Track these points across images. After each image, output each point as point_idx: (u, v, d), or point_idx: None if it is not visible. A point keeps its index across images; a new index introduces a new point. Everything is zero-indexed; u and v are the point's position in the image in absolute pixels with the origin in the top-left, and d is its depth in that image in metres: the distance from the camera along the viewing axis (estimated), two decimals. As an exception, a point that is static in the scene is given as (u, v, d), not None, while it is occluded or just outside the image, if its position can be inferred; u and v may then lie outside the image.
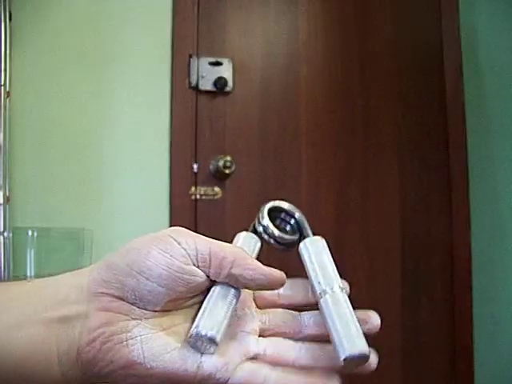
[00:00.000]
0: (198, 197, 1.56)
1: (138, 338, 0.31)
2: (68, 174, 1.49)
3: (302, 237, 0.37)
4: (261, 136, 1.63)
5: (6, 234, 1.33)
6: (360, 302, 1.50)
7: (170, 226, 1.53)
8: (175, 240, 0.32)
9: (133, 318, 0.32)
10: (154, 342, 0.31)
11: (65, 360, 0.31)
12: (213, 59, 1.59)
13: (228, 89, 1.59)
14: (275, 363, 0.34)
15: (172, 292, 0.32)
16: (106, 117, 1.54)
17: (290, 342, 0.35)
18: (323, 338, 0.35)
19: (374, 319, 0.37)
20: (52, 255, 1.40)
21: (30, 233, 1.37)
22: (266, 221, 0.36)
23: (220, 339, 0.32)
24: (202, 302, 0.33)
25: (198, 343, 0.31)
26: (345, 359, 0.32)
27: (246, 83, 1.63)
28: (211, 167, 1.57)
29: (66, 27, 1.52)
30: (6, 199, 1.35)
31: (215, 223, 1.57)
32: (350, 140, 1.69)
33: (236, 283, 0.33)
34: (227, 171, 1.53)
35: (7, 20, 1.38)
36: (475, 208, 1.74)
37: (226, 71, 1.59)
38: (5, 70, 1.37)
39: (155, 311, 0.32)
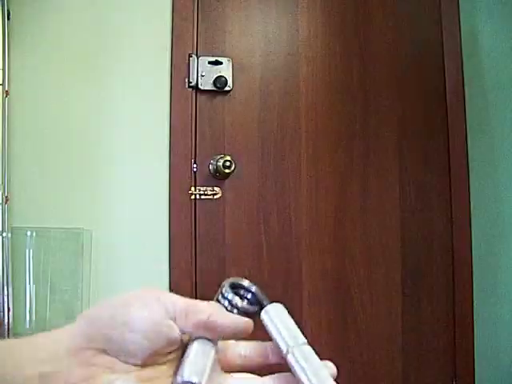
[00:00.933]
0: (197, 196, 1.55)
1: None
2: (67, 174, 1.49)
3: (262, 306, 0.40)
4: (261, 135, 1.62)
5: (5, 234, 1.32)
6: (360, 302, 1.52)
7: (170, 225, 1.53)
8: (154, 296, 0.34)
9: (114, 372, 0.33)
10: None
11: None
12: (212, 58, 1.59)
13: (228, 88, 1.59)
14: None
15: (153, 345, 0.33)
16: (106, 116, 1.53)
17: (255, 378, 0.37)
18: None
19: (332, 368, 0.37)
20: (51, 255, 1.39)
21: (29, 233, 1.36)
22: (231, 295, 0.39)
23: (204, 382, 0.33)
24: (181, 356, 0.35)
25: None
26: None
27: (245, 82, 1.62)
28: (211, 167, 1.56)
29: (65, 26, 1.52)
30: (5, 199, 1.35)
31: (215, 223, 1.57)
32: (350, 140, 1.69)
33: (213, 335, 0.35)
34: (227, 171, 1.53)
35: (6, 18, 1.38)
36: (475, 208, 1.74)
37: (225, 70, 1.59)
38: (3, 68, 1.37)
39: (137, 365, 0.33)
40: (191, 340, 0.36)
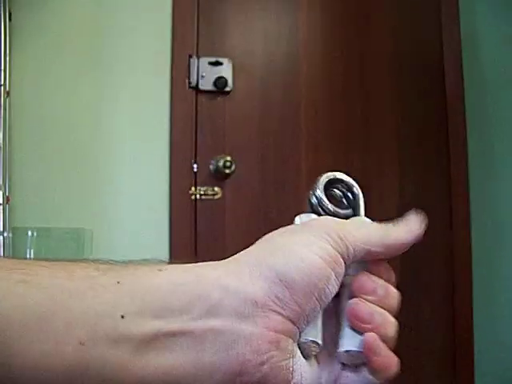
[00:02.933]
0: (197, 197, 1.56)
1: (300, 365, 0.29)
2: (68, 174, 1.49)
3: (355, 214, 0.36)
4: (261, 136, 1.63)
5: (5, 234, 1.32)
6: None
7: (170, 225, 1.53)
8: (342, 255, 0.30)
9: (295, 341, 0.29)
10: (309, 366, 0.30)
11: (220, 380, 0.27)
12: (213, 59, 1.59)
13: (228, 88, 1.59)
14: None
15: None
16: (106, 117, 1.54)
17: None
18: None
19: None
20: (52, 255, 1.40)
21: (29, 233, 1.37)
22: (320, 193, 0.35)
23: (320, 338, 0.30)
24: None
25: (303, 347, 0.30)
26: (339, 354, 0.31)
27: (245, 83, 1.63)
28: (211, 167, 1.57)
29: (66, 27, 1.52)
30: (6, 199, 1.35)
31: (215, 223, 1.57)
32: (350, 139, 1.69)
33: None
34: (227, 171, 1.53)
35: (7, 20, 1.38)
36: (475, 208, 1.74)
37: (225, 71, 1.59)
38: (4, 69, 1.37)
39: None
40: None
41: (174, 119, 1.56)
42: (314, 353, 0.30)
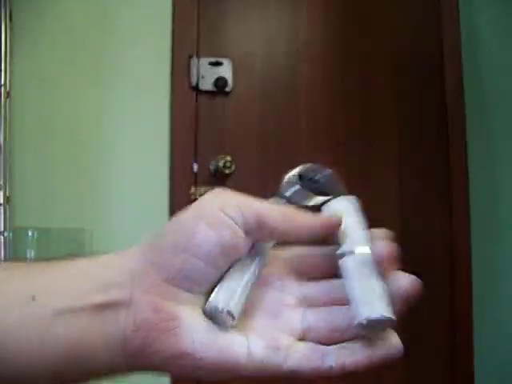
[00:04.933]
0: (198, 197, 1.56)
1: (187, 326, 0.29)
2: (68, 175, 1.49)
3: (333, 196, 0.35)
4: (261, 136, 1.63)
5: (6, 234, 1.33)
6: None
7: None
8: (222, 210, 0.30)
9: (179, 304, 0.30)
10: (203, 330, 0.30)
11: (111, 348, 0.29)
12: (213, 59, 1.59)
13: (228, 89, 1.59)
14: (327, 335, 0.31)
15: (217, 270, 0.30)
16: (106, 117, 1.54)
17: (338, 309, 0.32)
18: None
19: (403, 279, 0.32)
20: (52, 255, 1.40)
21: (30, 233, 1.37)
22: (295, 187, 0.34)
23: (237, 311, 0.30)
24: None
25: (216, 318, 0.30)
26: (362, 324, 0.29)
27: (245, 83, 1.63)
28: (211, 167, 1.57)
29: (66, 27, 1.53)
30: (7, 199, 1.35)
31: (215, 223, 1.57)
32: (350, 140, 1.69)
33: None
34: (227, 171, 1.53)
35: (8, 20, 1.38)
36: (475, 208, 1.74)
37: (226, 71, 1.59)
38: (5, 70, 1.37)
39: (201, 294, 0.30)
40: (232, 265, 0.31)
41: (174, 119, 1.56)
42: (226, 321, 0.30)
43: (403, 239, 1.54)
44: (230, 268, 0.31)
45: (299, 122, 1.65)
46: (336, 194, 0.35)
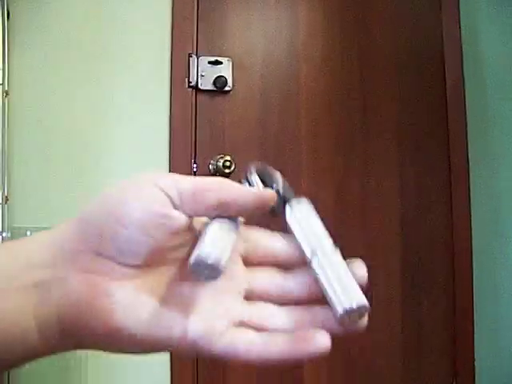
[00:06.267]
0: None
1: (121, 302, 0.29)
2: (67, 174, 1.49)
3: (286, 201, 0.35)
4: (261, 135, 1.62)
5: (4, 234, 1.32)
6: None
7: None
8: (153, 182, 0.30)
9: (114, 279, 0.29)
10: (138, 307, 0.29)
11: (44, 328, 0.29)
12: (212, 58, 1.59)
13: (228, 88, 1.59)
14: (261, 330, 0.32)
15: (153, 240, 0.29)
16: (106, 116, 1.53)
17: (276, 308, 0.33)
18: (310, 302, 0.33)
19: (361, 270, 0.33)
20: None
21: (28, 233, 1.36)
22: (255, 178, 0.35)
23: (224, 266, 0.29)
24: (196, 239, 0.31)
25: (200, 271, 0.29)
26: (344, 313, 0.30)
27: (245, 82, 1.62)
28: (211, 167, 1.56)
29: (65, 26, 1.52)
30: (5, 199, 1.35)
31: (215, 223, 1.57)
32: (350, 139, 1.69)
33: (230, 213, 0.31)
34: (227, 171, 1.53)
35: (5, 18, 1.37)
36: (476, 207, 1.74)
37: (225, 70, 1.59)
38: (3, 68, 1.37)
39: (137, 266, 0.29)
40: (207, 223, 0.31)
41: (174, 119, 1.55)
42: (212, 276, 0.29)
43: (403, 238, 1.55)
44: (204, 228, 0.31)
45: (299, 122, 1.65)
46: (289, 197, 0.35)
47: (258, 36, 1.66)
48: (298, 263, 0.34)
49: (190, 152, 1.56)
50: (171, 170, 1.54)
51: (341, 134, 1.68)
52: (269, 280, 0.34)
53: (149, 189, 0.30)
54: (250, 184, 0.35)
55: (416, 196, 1.72)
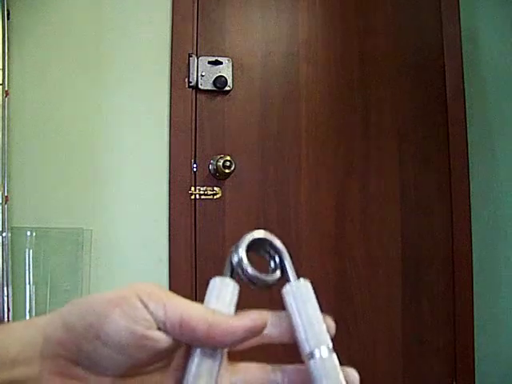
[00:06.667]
0: (197, 196, 1.55)
1: None
2: (67, 174, 1.49)
3: (285, 276, 0.34)
4: (261, 135, 1.62)
5: (4, 234, 1.32)
6: (360, 302, 1.52)
7: (170, 225, 1.53)
8: (142, 302, 0.29)
9: None
10: None
11: None
12: (212, 58, 1.59)
13: (228, 88, 1.58)
14: None
15: (132, 359, 0.29)
16: (106, 116, 1.53)
17: None
18: None
19: (353, 377, 0.34)
20: (51, 255, 1.39)
21: (28, 233, 1.36)
22: (242, 252, 0.32)
23: None
24: (184, 365, 0.31)
25: None
26: None
27: (245, 82, 1.62)
28: (211, 167, 1.56)
29: (65, 26, 1.52)
30: (5, 199, 1.35)
31: (215, 223, 1.57)
32: (350, 140, 1.68)
33: (215, 347, 0.30)
34: (227, 171, 1.53)
35: (5, 18, 1.37)
36: (475, 208, 1.74)
37: (225, 70, 1.58)
38: (3, 68, 1.37)
39: (114, 377, 0.29)
40: (190, 354, 0.31)
41: (174, 119, 1.55)
42: None
43: (403, 239, 1.55)
44: (187, 357, 0.31)
45: (299, 122, 1.65)
46: (290, 276, 0.34)
47: (258, 36, 1.66)
48: None
49: (190, 152, 1.56)
50: (171, 169, 1.54)
51: (341, 134, 1.68)
52: (254, 380, 0.33)
53: (134, 308, 0.29)
54: (238, 258, 0.33)
55: (416, 196, 1.72)
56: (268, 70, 1.65)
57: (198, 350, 0.30)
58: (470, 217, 1.72)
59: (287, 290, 0.33)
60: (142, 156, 1.55)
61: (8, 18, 1.39)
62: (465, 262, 1.71)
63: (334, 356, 0.33)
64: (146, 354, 0.29)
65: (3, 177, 1.35)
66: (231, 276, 0.34)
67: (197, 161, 1.56)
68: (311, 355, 0.32)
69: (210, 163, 1.56)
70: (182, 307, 0.29)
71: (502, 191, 1.83)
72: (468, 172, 1.74)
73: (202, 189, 1.56)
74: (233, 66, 1.60)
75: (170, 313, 0.29)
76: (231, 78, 1.59)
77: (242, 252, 0.33)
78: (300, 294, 0.33)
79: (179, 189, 1.54)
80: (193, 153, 1.56)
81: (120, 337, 0.28)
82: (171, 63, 1.57)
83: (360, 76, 1.71)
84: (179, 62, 1.57)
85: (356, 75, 1.71)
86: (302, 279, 0.34)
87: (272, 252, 0.35)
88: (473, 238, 1.71)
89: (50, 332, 0.29)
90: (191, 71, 1.57)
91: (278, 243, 0.35)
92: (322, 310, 0.34)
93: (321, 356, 0.32)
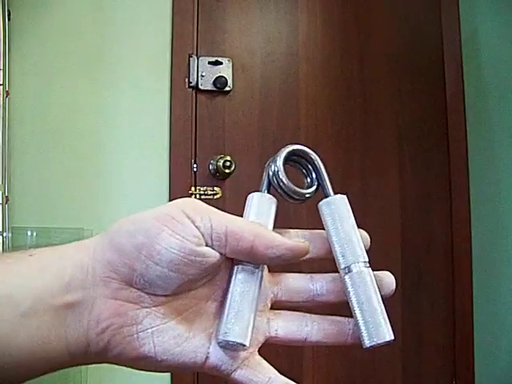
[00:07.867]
0: (197, 196, 1.55)
1: (149, 330, 0.30)
2: (67, 174, 1.49)
3: (322, 191, 0.34)
4: (261, 135, 1.62)
5: (5, 234, 1.32)
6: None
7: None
8: (188, 217, 0.30)
9: (142, 307, 0.30)
10: (165, 334, 0.30)
11: (74, 349, 0.29)
12: (212, 58, 1.59)
13: (228, 88, 1.59)
14: (287, 344, 0.33)
15: (184, 276, 0.29)
16: (106, 116, 1.53)
17: (301, 318, 0.34)
18: (335, 306, 0.35)
19: (390, 284, 0.34)
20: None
21: (29, 233, 1.37)
22: (280, 163, 0.32)
23: (249, 342, 0.30)
24: (226, 289, 0.32)
25: (228, 346, 0.31)
26: (370, 346, 0.31)
27: (245, 82, 1.62)
28: (211, 167, 1.56)
29: (65, 26, 1.52)
30: (6, 199, 1.35)
31: (215, 223, 1.57)
32: (350, 139, 1.69)
33: (257, 262, 0.31)
34: (227, 171, 1.53)
35: (6, 19, 1.38)
36: (475, 207, 1.74)
37: (225, 70, 1.59)
38: (4, 69, 1.37)
39: (166, 295, 0.30)
40: (234, 266, 0.32)
41: (174, 119, 1.56)
42: (238, 350, 0.31)
43: (403, 239, 1.55)
44: (229, 276, 0.32)
45: (299, 122, 1.65)
46: (327, 191, 0.34)
47: (258, 36, 1.66)
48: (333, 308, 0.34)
49: (190, 152, 1.56)
50: (171, 169, 1.54)
51: (341, 134, 1.68)
52: (293, 288, 0.34)
53: (183, 224, 0.30)
54: (276, 169, 0.33)
55: (416, 196, 1.72)
56: (268, 70, 1.65)
57: (241, 267, 0.31)
58: (470, 216, 1.72)
59: (324, 204, 0.34)
60: (142, 156, 1.55)
61: (9, 19, 1.39)
62: (465, 262, 1.71)
63: (370, 270, 0.33)
64: (196, 270, 0.29)
65: (3, 177, 1.35)
66: (268, 191, 0.34)
67: (197, 161, 1.57)
68: (348, 269, 0.32)
69: (210, 163, 1.57)
70: (227, 219, 0.31)
71: (501, 191, 1.83)
72: (468, 172, 1.74)
73: (202, 189, 1.56)
74: (233, 66, 1.60)
75: (215, 224, 0.30)
76: (231, 78, 1.59)
77: (280, 163, 0.33)
78: (337, 209, 0.34)
79: (179, 189, 1.54)
80: (193, 153, 1.56)
81: (172, 254, 0.29)
82: (171, 63, 1.57)
83: (359, 76, 1.71)
84: (179, 62, 1.57)
85: (356, 75, 1.71)
86: (339, 195, 0.35)
87: (309, 167, 0.34)
88: (473, 238, 1.71)
89: (99, 254, 0.30)
90: (191, 71, 1.57)
91: (315, 156, 0.34)
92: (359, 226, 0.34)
93: (358, 271, 0.32)
